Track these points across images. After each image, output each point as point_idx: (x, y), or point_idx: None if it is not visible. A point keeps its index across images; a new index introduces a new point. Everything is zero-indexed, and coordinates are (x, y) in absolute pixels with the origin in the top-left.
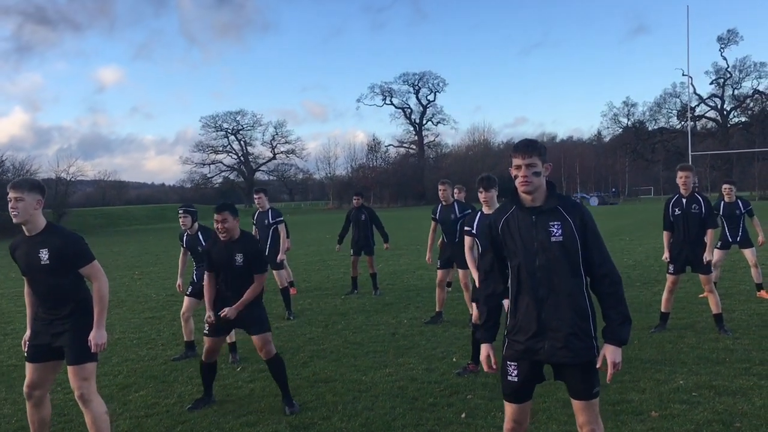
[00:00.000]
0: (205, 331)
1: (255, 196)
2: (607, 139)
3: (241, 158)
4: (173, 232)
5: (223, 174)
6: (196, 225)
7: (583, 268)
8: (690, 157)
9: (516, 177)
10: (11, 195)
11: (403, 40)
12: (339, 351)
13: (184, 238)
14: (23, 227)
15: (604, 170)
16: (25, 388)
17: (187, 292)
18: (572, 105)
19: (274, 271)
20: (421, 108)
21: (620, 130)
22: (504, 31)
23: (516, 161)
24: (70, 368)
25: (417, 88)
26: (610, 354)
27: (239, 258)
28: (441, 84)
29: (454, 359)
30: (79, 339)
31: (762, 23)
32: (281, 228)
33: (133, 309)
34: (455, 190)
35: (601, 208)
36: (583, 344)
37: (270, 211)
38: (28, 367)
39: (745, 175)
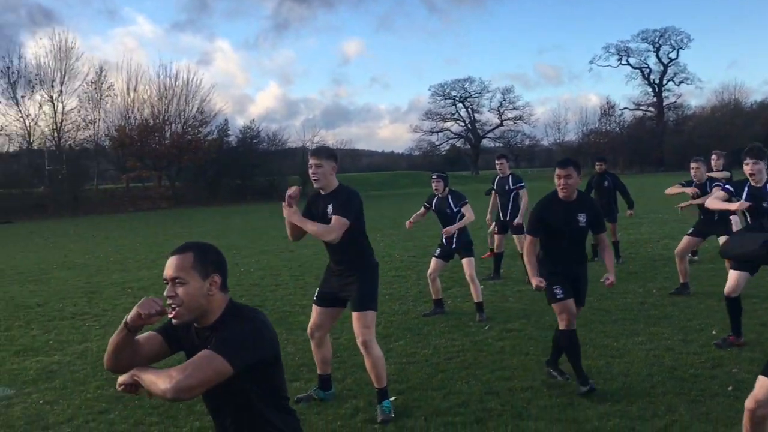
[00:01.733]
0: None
1: (496, 162)
2: None
3: (468, 125)
4: (406, 198)
5: (450, 141)
6: (447, 189)
7: None
8: None
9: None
10: (312, 161)
11: None
12: (586, 317)
13: (434, 201)
14: (320, 190)
15: None
16: (308, 329)
17: (435, 254)
18: None
19: (514, 236)
20: (662, 67)
21: None
22: None
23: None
24: (354, 315)
25: (657, 45)
26: None
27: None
28: (685, 40)
29: (713, 332)
30: (364, 289)
31: None
32: (523, 193)
33: (381, 268)
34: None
35: None
36: None
37: (510, 176)
38: (314, 310)
39: None
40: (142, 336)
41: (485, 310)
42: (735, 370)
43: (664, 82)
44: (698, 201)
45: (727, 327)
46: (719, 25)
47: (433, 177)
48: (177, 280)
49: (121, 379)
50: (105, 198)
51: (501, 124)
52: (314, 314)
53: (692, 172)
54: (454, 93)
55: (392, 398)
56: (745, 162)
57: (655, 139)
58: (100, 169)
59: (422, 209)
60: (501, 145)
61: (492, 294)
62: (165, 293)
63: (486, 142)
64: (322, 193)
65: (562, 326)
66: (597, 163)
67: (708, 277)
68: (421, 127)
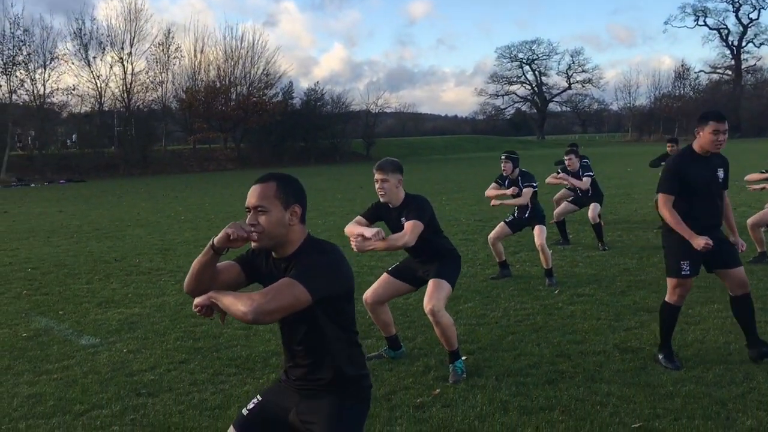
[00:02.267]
0: None
1: (565, 158)
2: None
3: (535, 89)
4: (471, 162)
5: (515, 105)
6: (517, 170)
7: None
8: None
9: None
10: (377, 176)
11: None
12: (657, 283)
13: (506, 180)
14: (388, 204)
15: None
16: (365, 296)
17: (506, 220)
18: None
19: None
20: (741, 28)
21: None
22: None
23: None
24: (430, 282)
25: (737, 5)
26: None
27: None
28: None
29: None
30: (444, 266)
31: None
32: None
33: (448, 231)
34: None
35: None
36: None
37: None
38: (383, 278)
39: None
40: (221, 264)
41: (554, 276)
42: None
43: (744, 43)
44: None
45: None
46: None
47: (503, 158)
48: (259, 209)
49: (198, 300)
50: (173, 159)
51: (569, 88)
52: (380, 283)
53: None
54: (521, 55)
55: (463, 357)
56: None
57: (732, 104)
58: (168, 130)
59: (495, 185)
60: (568, 109)
61: (561, 259)
62: (247, 221)
63: (552, 106)
64: (391, 206)
65: (671, 300)
66: (669, 144)
67: None
68: (486, 91)
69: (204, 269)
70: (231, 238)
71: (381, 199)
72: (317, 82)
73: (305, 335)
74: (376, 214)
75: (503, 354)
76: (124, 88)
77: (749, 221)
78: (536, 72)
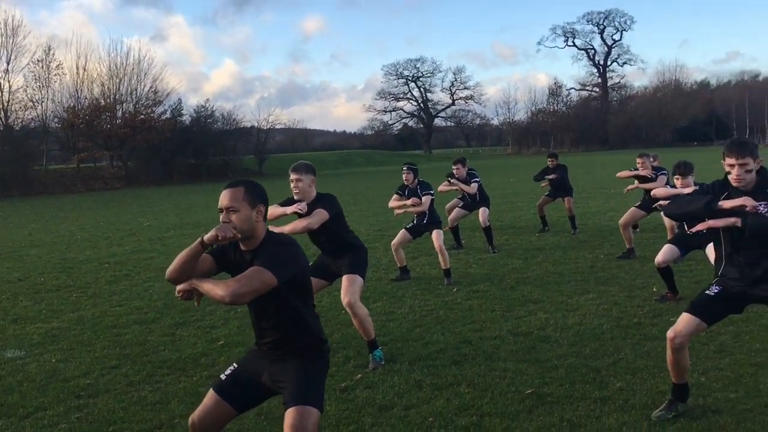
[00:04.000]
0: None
1: (453, 167)
2: None
3: (421, 105)
4: (363, 177)
5: (403, 120)
6: (416, 180)
7: None
8: None
9: (729, 173)
10: (292, 177)
11: None
12: (542, 279)
13: (406, 190)
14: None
15: None
16: None
17: (406, 226)
18: None
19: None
20: (606, 48)
21: None
22: None
23: (730, 160)
24: (344, 278)
25: (602, 27)
26: None
27: None
28: (628, 22)
29: (654, 289)
30: (354, 259)
31: None
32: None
33: None
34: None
35: None
36: None
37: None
38: None
39: None
40: None
41: (452, 275)
42: (672, 319)
43: (609, 63)
44: (647, 186)
45: (665, 286)
46: (666, 6)
47: (404, 169)
48: (231, 209)
49: (181, 287)
50: (55, 179)
51: (453, 104)
52: None
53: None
54: (406, 72)
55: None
56: (675, 177)
57: (600, 119)
58: (48, 149)
59: (396, 196)
60: (453, 124)
61: (456, 262)
62: (221, 219)
63: (438, 121)
64: (304, 202)
65: None
66: (549, 159)
67: (649, 244)
68: (375, 107)
69: (190, 261)
70: (219, 237)
71: (295, 197)
72: (207, 99)
73: (274, 311)
74: (291, 204)
75: (413, 343)
76: (1, 107)
77: (620, 221)
78: (421, 89)
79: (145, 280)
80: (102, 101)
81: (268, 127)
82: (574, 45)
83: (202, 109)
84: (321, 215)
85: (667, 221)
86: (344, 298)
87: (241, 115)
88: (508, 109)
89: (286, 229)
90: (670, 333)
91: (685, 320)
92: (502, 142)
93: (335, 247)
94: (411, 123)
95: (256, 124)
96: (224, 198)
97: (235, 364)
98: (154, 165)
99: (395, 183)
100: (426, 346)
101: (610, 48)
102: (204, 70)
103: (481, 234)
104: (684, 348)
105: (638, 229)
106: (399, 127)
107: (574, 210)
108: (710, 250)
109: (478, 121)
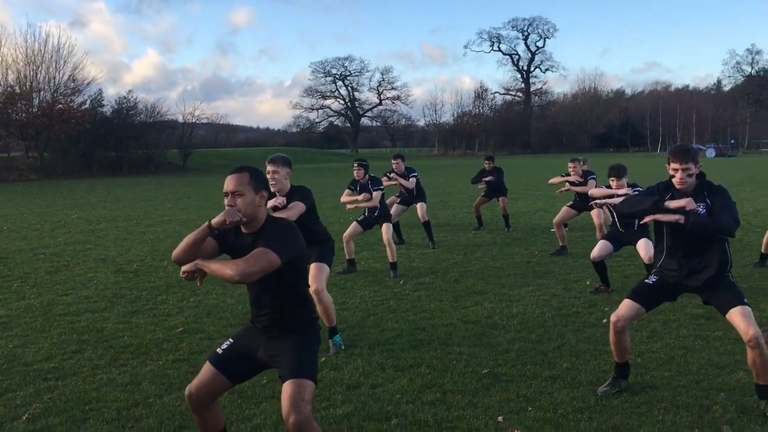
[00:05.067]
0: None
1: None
2: (726, 89)
3: (348, 104)
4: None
5: (330, 119)
6: (367, 176)
7: None
8: None
9: (673, 176)
10: (269, 168)
11: None
12: (483, 272)
13: (357, 185)
14: (277, 192)
15: (723, 121)
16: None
17: (358, 219)
18: (695, 51)
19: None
20: (530, 55)
21: (742, 78)
22: None
23: (674, 165)
24: (312, 266)
25: (526, 33)
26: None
27: None
28: (551, 30)
29: (587, 282)
30: (321, 250)
31: None
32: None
33: None
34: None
35: (718, 160)
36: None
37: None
38: None
39: None
40: None
41: (398, 268)
42: (607, 309)
43: (532, 69)
44: (579, 189)
45: (599, 279)
46: (589, 15)
47: (355, 165)
48: (236, 193)
49: (186, 267)
50: None
51: (380, 104)
52: None
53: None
54: (334, 71)
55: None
56: (611, 178)
57: (523, 123)
58: None
59: (348, 191)
60: (379, 124)
61: (399, 256)
62: (226, 203)
63: (365, 121)
64: (278, 195)
65: None
66: (486, 162)
67: (579, 242)
68: (302, 104)
69: (197, 243)
70: (227, 222)
71: (272, 189)
72: (130, 90)
73: (275, 289)
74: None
75: (369, 330)
76: None
77: (555, 220)
78: (349, 87)
79: (86, 271)
80: (17, 88)
81: (194, 121)
82: (500, 50)
83: (124, 101)
84: (299, 207)
85: (596, 221)
86: (312, 285)
87: (165, 108)
88: (435, 110)
89: (284, 213)
90: (613, 317)
91: (626, 306)
92: (427, 144)
93: (306, 238)
94: (337, 122)
95: (180, 118)
96: (230, 182)
97: (231, 339)
98: (72, 157)
99: (325, 181)
100: (382, 332)
101: (533, 54)
102: (125, 60)
103: (420, 230)
104: (625, 330)
105: (567, 228)
106: (325, 125)
107: (508, 209)
108: (640, 246)
109: (403, 122)
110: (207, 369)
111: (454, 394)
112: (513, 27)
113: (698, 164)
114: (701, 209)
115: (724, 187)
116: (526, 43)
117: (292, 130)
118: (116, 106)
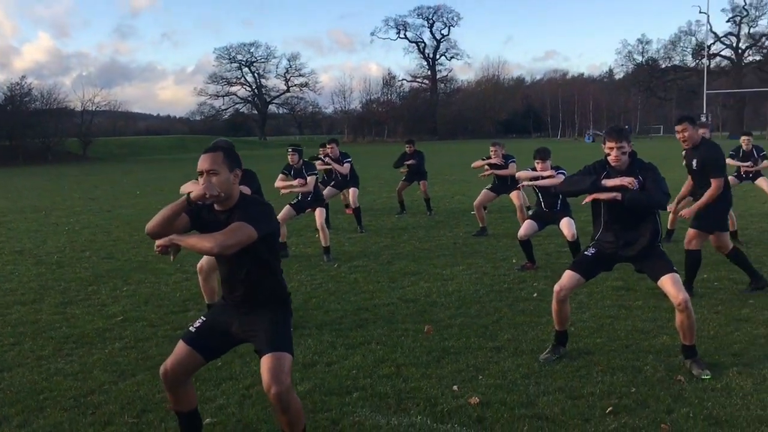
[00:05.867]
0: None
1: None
2: (619, 77)
3: (255, 91)
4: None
5: (236, 106)
6: (301, 161)
7: None
8: (705, 95)
9: (609, 155)
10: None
11: None
12: (414, 254)
13: (291, 170)
14: None
15: (617, 108)
16: (198, 266)
17: (291, 203)
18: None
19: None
20: (435, 42)
21: (633, 67)
22: None
23: (610, 144)
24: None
25: (431, 21)
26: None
27: None
28: (455, 18)
29: (513, 260)
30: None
31: None
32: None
33: None
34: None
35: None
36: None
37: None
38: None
39: (757, 114)
40: None
41: (331, 253)
42: (536, 284)
43: (438, 56)
44: (500, 172)
45: (523, 257)
46: (491, 2)
47: (289, 150)
48: (211, 171)
49: (161, 241)
50: None
51: (287, 91)
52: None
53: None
54: (240, 57)
55: None
56: (536, 161)
57: (430, 110)
58: None
59: (282, 176)
60: (286, 111)
61: (330, 241)
62: (202, 181)
63: (272, 108)
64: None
65: (697, 247)
66: (407, 145)
67: (499, 223)
68: (206, 91)
69: (173, 217)
70: (207, 195)
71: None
72: (23, 76)
73: (249, 264)
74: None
75: (313, 312)
76: None
77: (475, 203)
78: (255, 74)
79: (4, 264)
80: None
81: (93, 108)
82: (406, 38)
83: (17, 87)
84: (244, 191)
85: (516, 202)
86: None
87: (62, 95)
88: (344, 97)
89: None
90: (556, 287)
91: (568, 276)
92: (335, 131)
93: None
94: (244, 109)
95: (79, 106)
96: (204, 161)
97: (203, 317)
98: None
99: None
100: (327, 313)
101: (438, 42)
102: (14, 44)
103: (346, 216)
104: (566, 300)
105: (487, 210)
106: (231, 112)
107: (429, 193)
108: (564, 225)
109: (311, 109)
110: (181, 347)
111: (408, 367)
112: (419, 15)
113: (630, 143)
114: (635, 186)
115: (653, 165)
116: (431, 31)
117: (195, 117)
118: (8, 93)
